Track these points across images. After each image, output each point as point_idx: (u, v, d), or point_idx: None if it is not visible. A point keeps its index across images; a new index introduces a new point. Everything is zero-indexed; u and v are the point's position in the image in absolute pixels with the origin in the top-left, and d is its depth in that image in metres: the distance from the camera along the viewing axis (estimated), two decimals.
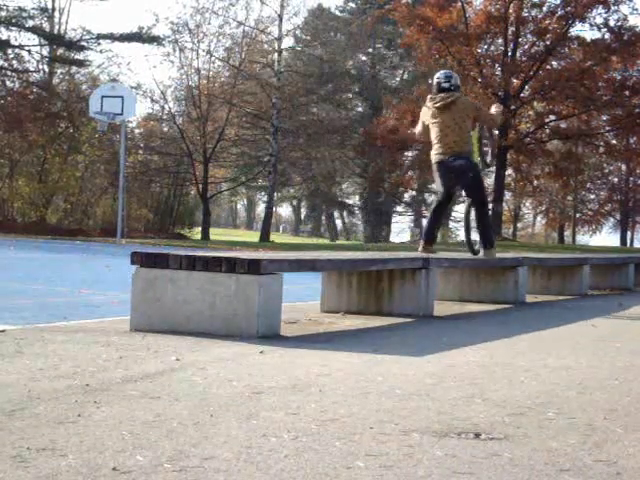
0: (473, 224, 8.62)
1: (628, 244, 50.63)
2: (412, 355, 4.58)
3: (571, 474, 2.43)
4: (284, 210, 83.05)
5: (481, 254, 8.38)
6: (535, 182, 39.54)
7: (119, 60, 57.55)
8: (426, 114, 8.30)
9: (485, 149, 9.15)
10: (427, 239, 8.26)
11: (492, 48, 35.14)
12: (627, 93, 33.31)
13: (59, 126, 36.79)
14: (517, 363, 4.44)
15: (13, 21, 34.87)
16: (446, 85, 8.23)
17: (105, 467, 2.31)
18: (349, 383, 3.66)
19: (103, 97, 25.15)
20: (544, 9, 33.15)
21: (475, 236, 8.61)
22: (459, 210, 52.61)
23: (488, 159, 9.29)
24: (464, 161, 8.17)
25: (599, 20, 33.24)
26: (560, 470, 2.46)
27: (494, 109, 8.60)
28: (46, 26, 38.23)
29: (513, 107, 31.47)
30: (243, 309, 5.06)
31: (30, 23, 35.74)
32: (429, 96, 8.41)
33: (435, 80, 8.40)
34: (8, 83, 36.55)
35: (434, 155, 8.25)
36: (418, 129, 8.51)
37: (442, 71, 8.65)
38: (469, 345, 5.10)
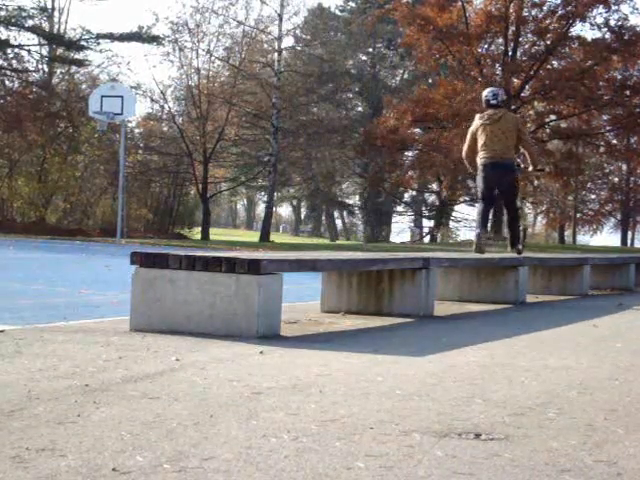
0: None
1: (629, 244, 50.65)
2: (412, 355, 4.58)
3: (572, 474, 2.42)
4: (284, 210, 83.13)
5: (508, 248, 9.50)
6: (535, 182, 39.54)
7: (119, 60, 57.57)
8: (475, 128, 9.35)
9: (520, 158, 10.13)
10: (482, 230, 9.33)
11: (492, 48, 35.12)
12: (628, 93, 33.29)
13: (59, 126, 36.79)
14: (517, 363, 4.43)
15: (13, 21, 34.87)
16: (494, 102, 9.37)
17: (105, 467, 2.30)
18: (349, 383, 3.66)
19: (103, 97, 25.16)
20: (544, 9, 33.13)
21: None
22: (459, 210, 52.72)
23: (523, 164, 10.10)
24: (507, 165, 9.24)
25: (600, 20, 33.25)
26: (561, 470, 2.45)
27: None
28: (46, 26, 38.26)
29: (513, 107, 31.44)
30: (243, 309, 5.05)
31: (30, 23, 35.77)
32: (477, 115, 9.53)
33: (483, 97, 9.55)
34: (8, 83, 36.57)
35: (480, 159, 9.26)
36: (465, 148, 9.54)
37: (489, 89, 9.84)
38: (469, 345, 5.10)
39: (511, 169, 9.33)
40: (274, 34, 38.49)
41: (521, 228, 10.05)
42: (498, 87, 10.06)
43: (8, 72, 35.67)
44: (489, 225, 9.84)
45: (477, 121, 9.39)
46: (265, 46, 40.83)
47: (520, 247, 9.66)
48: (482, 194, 9.42)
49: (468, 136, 9.50)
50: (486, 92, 9.63)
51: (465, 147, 9.55)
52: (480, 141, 9.26)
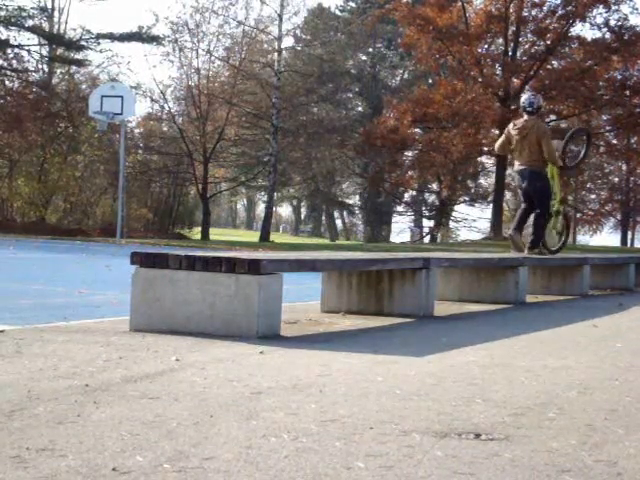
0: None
1: (629, 244, 50.64)
2: (412, 355, 4.58)
3: (572, 475, 2.42)
4: (284, 210, 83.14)
5: (525, 251, 10.00)
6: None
7: (119, 60, 57.57)
8: (510, 133, 10.19)
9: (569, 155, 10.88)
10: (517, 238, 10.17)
11: (492, 48, 35.15)
12: (627, 93, 33.31)
13: (59, 126, 36.80)
14: (517, 363, 4.43)
15: (13, 21, 34.87)
16: (529, 109, 10.14)
17: (105, 467, 2.30)
18: (349, 383, 3.66)
19: (103, 97, 25.16)
20: (544, 9, 33.15)
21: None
22: (459, 210, 52.72)
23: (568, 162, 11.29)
24: (534, 173, 10.02)
25: (599, 20, 33.27)
26: (561, 471, 2.45)
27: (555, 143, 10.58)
28: (46, 26, 38.27)
29: (513, 107, 31.46)
30: (243, 309, 5.05)
31: (30, 23, 35.76)
32: (513, 122, 10.45)
33: (521, 103, 10.48)
34: (8, 83, 36.55)
35: (514, 167, 10.34)
36: (498, 143, 10.54)
37: (527, 95, 10.79)
38: (469, 345, 5.10)
39: (538, 176, 10.07)
40: (274, 34, 38.51)
41: (556, 232, 10.79)
42: (535, 94, 11.03)
43: (8, 72, 35.66)
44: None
45: (511, 127, 10.22)
46: (265, 46, 40.87)
47: (538, 251, 10.12)
48: (521, 197, 10.40)
49: (503, 135, 10.44)
50: (523, 99, 10.45)
51: (498, 143, 10.55)
52: (513, 149, 10.18)
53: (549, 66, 33.85)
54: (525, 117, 10.15)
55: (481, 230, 49.46)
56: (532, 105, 10.13)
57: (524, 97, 10.53)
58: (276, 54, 38.01)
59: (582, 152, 12.14)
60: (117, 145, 32.74)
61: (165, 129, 42.47)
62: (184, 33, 37.88)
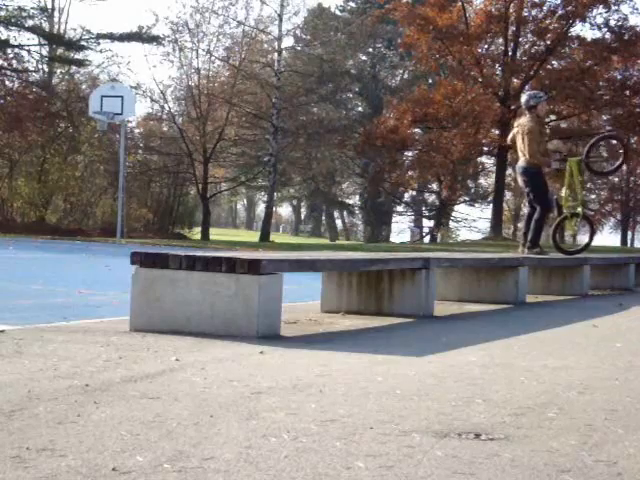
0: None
1: (629, 244, 50.65)
2: (412, 355, 4.58)
3: (572, 475, 2.42)
4: (284, 210, 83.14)
5: (526, 250, 10.17)
6: None
7: (119, 60, 57.60)
8: (515, 128, 10.55)
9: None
10: (524, 242, 10.33)
11: (492, 48, 35.15)
12: (628, 93, 33.32)
13: (59, 126, 36.79)
14: (517, 363, 4.43)
15: (13, 21, 34.86)
16: (524, 107, 10.46)
17: (105, 467, 2.30)
18: (349, 383, 3.66)
19: (103, 97, 25.18)
20: (544, 9, 33.17)
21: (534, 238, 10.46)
22: (459, 210, 52.72)
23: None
24: (524, 168, 10.25)
25: (599, 20, 33.29)
26: (561, 471, 2.45)
27: (554, 144, 11.11)
28: (46, 26, 38.26)
29: (513, 107, 31.47)
30: (243, 309, 5.05)
31: (30, 23, 35.74)
32: (518, 116, 11.10)
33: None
34: (8, 83, 36.53)
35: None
36: (510, 136, 10.91)
37: (525, 94, 11.19)
38: (469, 345, 5.10)
39: (530, 172, 10.19)
40: (274, 34, 38.53)
41: (572, 233, 10.97)
42: (534, 91, 11.36)
43: (8, 72, 35.65)
44: (530, 235, 10.54)
45: (515, 122, 10.62)
46: (265, 46, 40.87)
47: (538, 250, 10.18)
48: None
49: (513, 129, 10.71)
50: (522, 98, 10.74)
51: (510, 136, 10.93)
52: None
53: (549, 66, 33.85)
54: (522, 117, 10.43)
55: (481, 230, 49.51)
56: (526, 103, 10.38)
57: (522, 96, 10.82)
58: (276, 54, 38.02)
59: (619, 160, 12.10)
60: (117, 145, 32.73)
61: (165, 129, 42.48)
62: (184, 33, 37.94)
